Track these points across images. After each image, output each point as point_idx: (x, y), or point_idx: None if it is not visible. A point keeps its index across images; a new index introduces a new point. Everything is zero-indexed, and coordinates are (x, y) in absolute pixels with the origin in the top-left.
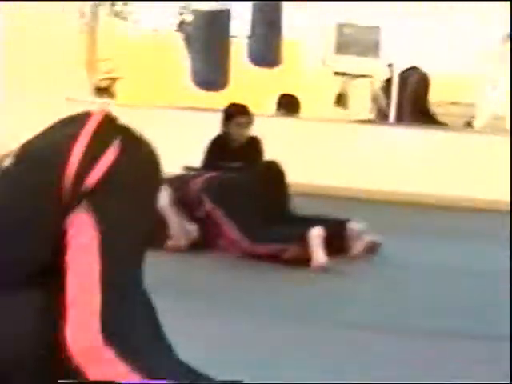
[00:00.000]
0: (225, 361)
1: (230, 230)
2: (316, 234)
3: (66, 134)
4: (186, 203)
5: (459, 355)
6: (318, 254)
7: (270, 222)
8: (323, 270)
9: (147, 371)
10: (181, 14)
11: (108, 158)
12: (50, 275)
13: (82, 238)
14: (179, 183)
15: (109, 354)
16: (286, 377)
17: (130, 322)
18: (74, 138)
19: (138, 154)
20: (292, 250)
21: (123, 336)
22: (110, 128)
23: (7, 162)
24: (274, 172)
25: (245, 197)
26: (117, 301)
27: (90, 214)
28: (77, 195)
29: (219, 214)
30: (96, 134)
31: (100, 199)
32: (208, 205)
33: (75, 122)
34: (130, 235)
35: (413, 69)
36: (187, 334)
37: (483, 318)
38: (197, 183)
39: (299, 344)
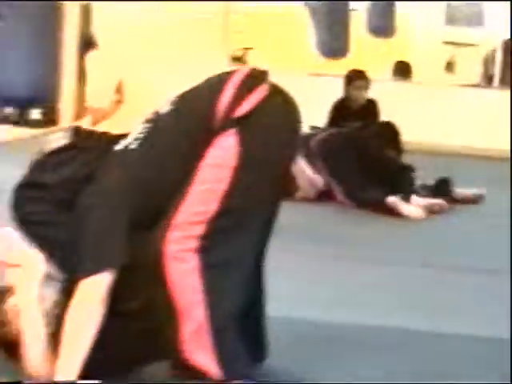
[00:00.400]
0: (340, 297)
1: (336, 190)
2: (391, 202)
3: (220, 78)
4: (308, 159)
5: None
6: (407, 211)
7: (377, 181)
8: (422, 219)
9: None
10: None
11: (258, 95)
12: None
13: (222, 155)
14: (305, 141)
15: (194, 263)
16: (400, 317)
17: (230, 253)
18: (227, 79)
19: (284, 99)
20: (386, 210)
21: (216, 257)
22: (259, 75)
23: (165, 107)
24: (390, 131)
25: (354, 159)
26: (227, 223)
27: (235, 137)
28: (227, 122)
29: (327, 175)
30: (247, 77)
31: (247, 127)
32: (319, 165)
33: (227, 73)
34: (264, 169)
35: None
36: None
37: None
38: (313, 141)
39: (412, 286)
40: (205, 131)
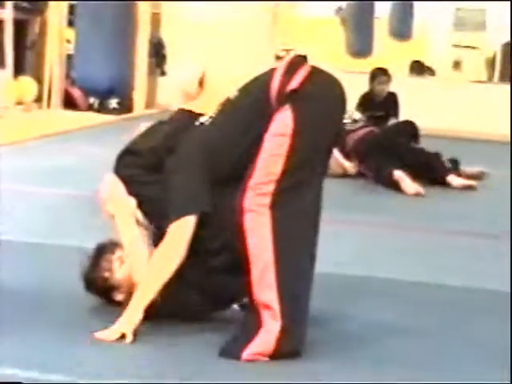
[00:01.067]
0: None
1: (368, 174)
2: (396, 177)
3: (271, 70)
4: (343, 151)
5: None
6: (404, 186)
7: (404, 167)
8: (417, 195)
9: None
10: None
11: (302, 72)
12: None
13: (281, 125)
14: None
15: (267, 216)
16: (411, 273)
17: (297, 207)
18: (275, 68)
19: (325, 75)
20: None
21: (286, 208)
22: (300, 58)
23: (233, 93)
24: (411, 127)
25: (385, 154)
26: (292, 182)
27: (290, 109)
28: (281, 98)
29: (362, 167)
30: (291, 62)
31: (298, 99)
32: (355, 162)
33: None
34: (317, 132)
35: None
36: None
37: None
38: (350, 140)
39: (422, 248)
40: (264, 108)
